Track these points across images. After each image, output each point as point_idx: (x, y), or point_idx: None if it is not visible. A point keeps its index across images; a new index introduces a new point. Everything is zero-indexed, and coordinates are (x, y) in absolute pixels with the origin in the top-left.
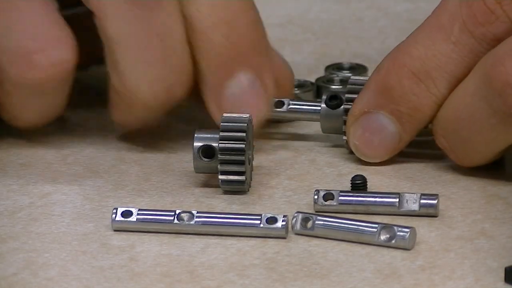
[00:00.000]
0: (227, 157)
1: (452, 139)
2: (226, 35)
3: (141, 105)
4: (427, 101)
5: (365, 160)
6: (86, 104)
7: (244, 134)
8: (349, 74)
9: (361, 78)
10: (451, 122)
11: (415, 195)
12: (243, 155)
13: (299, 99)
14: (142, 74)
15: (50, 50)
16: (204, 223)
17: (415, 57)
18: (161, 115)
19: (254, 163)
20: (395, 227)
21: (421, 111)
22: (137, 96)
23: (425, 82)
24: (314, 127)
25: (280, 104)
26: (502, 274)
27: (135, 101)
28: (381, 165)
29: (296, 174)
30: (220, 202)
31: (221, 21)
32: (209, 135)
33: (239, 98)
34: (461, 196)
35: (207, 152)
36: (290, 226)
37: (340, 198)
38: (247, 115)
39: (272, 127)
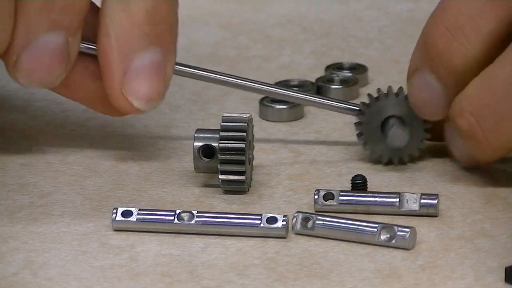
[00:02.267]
0: (227, 157)
1: (484, 115)
2: (150, 12)
3: None
4: (461, 60)
5: (426, 118)
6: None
7: (244, 134)
8: (349, 74)
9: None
10: (485, 96)
11: (415, 195)
12: (243, 154)
13: None
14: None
15: None
16: (204, 223)
17: (449, 13)
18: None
19: (254, 163)
20: (395, 227)
21: (456, 69)
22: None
23: (458, 39)
24: (314, 127)
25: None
26: (502, 274)
27: None
28: (381, 165)
29: (296, 174)
30: (220, 202)
31: None
32: (209, 135)
33: (141, 72)
34: (461, 196)
35: (207, 152)
36: (290, 226)
37: (340, 198)
38: (247, 115)
39: (272, 127)
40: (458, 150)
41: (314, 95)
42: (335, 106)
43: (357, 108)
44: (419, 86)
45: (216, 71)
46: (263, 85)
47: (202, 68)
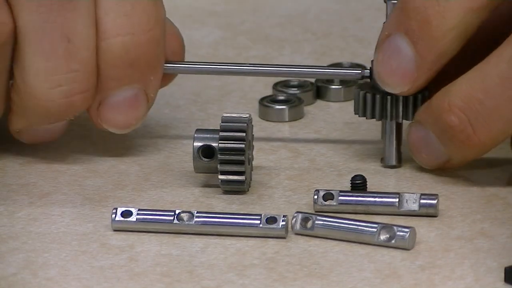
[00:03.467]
0: (227, 157)
1: (475, 111)
2: (127, 48)
3: (38, 107)
4: (434, 13)
5: (388, 90)
6: None
7: (244, 134)
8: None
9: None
10: (478, 92)
11: (415, 195)
12: (243, 155)
13: None
14: (41, 73)
15: None
16: (204, 223)
17: None
18: (59, 129)
19: (254, 163)
20: (395, 227)
21: (429, 23)
22: (35, 95)
23: (441, 3)
24: (314, 127)
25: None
26: (502, 274)
27: (33, 100)
28: (381, 165)
29: (296, 174)
30: (220, 202)
31: (125, 32)
32: (209, 135)
33: (119, 106)
34: (461, 196)
35: (207, 152)
36: (290, 226)
37: (340, 198)
38: (247, 115)
39: (272, 127)
40: (427, 152)
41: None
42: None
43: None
44: (389, 52)
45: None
46: (274, 67)
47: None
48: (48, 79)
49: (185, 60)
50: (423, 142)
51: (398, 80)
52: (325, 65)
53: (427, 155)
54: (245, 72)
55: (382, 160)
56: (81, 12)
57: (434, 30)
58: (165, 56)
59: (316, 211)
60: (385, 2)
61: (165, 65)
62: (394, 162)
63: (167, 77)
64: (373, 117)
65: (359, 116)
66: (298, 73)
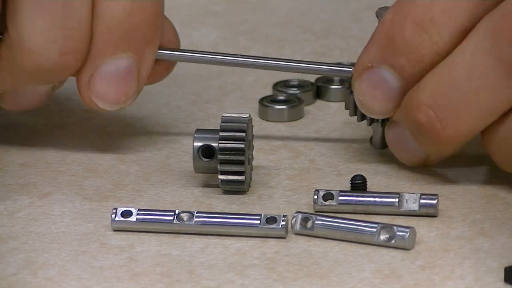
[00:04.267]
0: (227, 157)
1: (442, 106)
2: (128, 12)
3: (29, 62)
4: (428, 52)
5: (371, 115)
6: (86, 105)
7: (244, 134)
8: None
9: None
10: (444, 86)
11: (415, 195)
12: (243, 155)
13: None
14: (38, 26)
15: None
16: (204, 223)
17: (419, 5)
18: (41, 96)
19: (254, 163)
20: (395, 227)
21: (422, 62)
22: (29, 48)
23: (428, 31)
24: (314, 127)
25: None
26: (502, 274)
27: (25, 55)
28: (381, 165)
29: (296, 174)
30: (220, 202)
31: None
32: (208, 135)
33: (111, 77)
34: (461, 196)
35: (207, 152)
36: (289, 226)
37: (339, 198)
38: (247, 115)
39: (272, 127)
40: (405, 150)
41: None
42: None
43: None
44: (373, 83)
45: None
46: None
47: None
48: (44, 33)
49: (183, 49)
50: (399, 140)
51: (382, 109)
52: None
53: (405, 153)
54: (244, 63)
55: (371, 140)
56: None
57: (426, 61)
58: (160, 39)
59: (316, 211)
60: (377, 18)
61: (163, 51)
62: (378, 146)
63: (165, 67)
64: (362, 119)
65: (349, 115)
66: (295, 68)
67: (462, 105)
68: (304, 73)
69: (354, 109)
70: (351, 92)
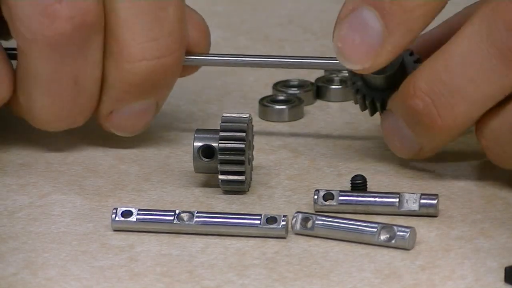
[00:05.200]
0: (227, 157)
1: (439, 92)
2: (151, 71)
3: (43, 126)
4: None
5: (347, 66)
6: None
7: (244, 134)
8: None
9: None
10: (441, 73)
11: (415, 195)
12: (243, 155)
13: None
14: (49, 109)
15: None
16: (204, 223)
17: None
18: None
19: (254, 163)
20: (395, 227)
21: (402, 2)
22: (40, 122)
23: None
24: (314, 127)
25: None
26: (502, 274)
27: (37, 123)
28: (381, 165)
29: (296, 174)
30: (220, 202)
31: (152, 56)
32: (209, 135)
33: (130, 115)
34: (461, 196)
35: (207, 152)
36: (290, 226)
37: (340, 198)
38: (247, 115)
39: (272, 127)
40: (399, 140)
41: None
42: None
43: None
44: (354, 26)
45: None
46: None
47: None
48: (53, 114)
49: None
50: (394, 130)
51: (360, 56)
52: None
53: (400, 143)
54: (257, 63)
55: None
56: (91, 60)
57: (406, 5)
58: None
59: (316, 211)
60: None
61: (187, 57)
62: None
63: (188, 69)
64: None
65: (361, 111)
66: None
67: (458, 92)
68: (310, 68)
69: (363, 104)
70: (357, 91)
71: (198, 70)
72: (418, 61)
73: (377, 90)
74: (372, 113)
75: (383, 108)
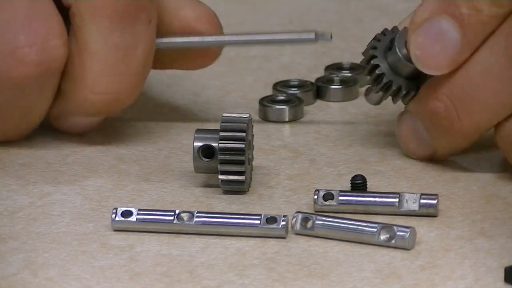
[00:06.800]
0: (227, 157)
1: (459, 97)
2: (108, 103)
3: (88, 105)
4: (486, 1)
5: (427, 72)
6: None
7: (244, 134)
8: (349, 74)
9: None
10: (462, 80)
11: (415, 195)
12: (243, 155)
13: None
14: (103, 81)
15: (40, 45)
16: (204, 223)
17: None
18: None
19: (254, 163)
20: (395, 227)
21: (481, 11)
22: (89, 96)
23: None
24: (314, 127)
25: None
26: (502, 274)
27: (86, 99)
28: (381, 165)
29: (296, 174)
30: (220, 202)
31: (113, 90)
32: (209, 135)
33: (70, 123)
34: (461, 196)
35: (207, 152)
36: (290, 226)
37: (340, 198)
38: (247, 115)
39: (272, 127)
40: (415, 142)
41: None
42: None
43: None
44: (431, 35)
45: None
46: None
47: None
48: (104, 87)
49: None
50: (411, 132)
51: (439, 63)
52: (325, 65)
53: (415, 145)
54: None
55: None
56: (141, 33)
57: (485, 16)
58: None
59: (316, 211)
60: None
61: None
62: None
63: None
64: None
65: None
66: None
67: (477, 99)
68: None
69: (385, 89)
70: (379, 75)
71: (201, 69)
72: None
73: (404, 77)
74: (395, 100)
75: (406, 97)
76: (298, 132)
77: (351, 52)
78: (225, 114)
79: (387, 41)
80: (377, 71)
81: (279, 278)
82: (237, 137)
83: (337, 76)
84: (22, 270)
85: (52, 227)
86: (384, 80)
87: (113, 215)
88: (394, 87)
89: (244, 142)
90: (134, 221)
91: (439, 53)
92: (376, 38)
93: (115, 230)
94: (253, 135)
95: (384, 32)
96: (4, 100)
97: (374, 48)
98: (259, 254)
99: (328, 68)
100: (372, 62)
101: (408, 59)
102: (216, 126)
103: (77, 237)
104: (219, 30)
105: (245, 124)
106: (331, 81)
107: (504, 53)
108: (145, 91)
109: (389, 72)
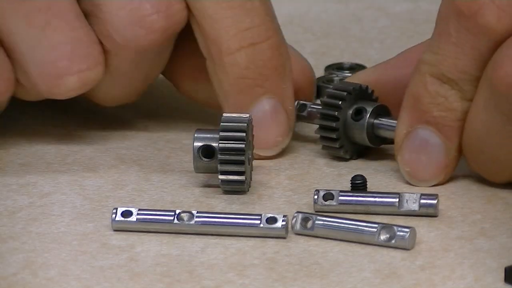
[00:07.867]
0: (227, 157)
1: (481, 161)
2: (252, 58)
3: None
4: (455, 99)
5: (422, 186)
6: (86, 105)
7: (244, 134)
8: (349, 74)
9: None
10: (474, 144)
11: (415, 195)
12: (243, 155)
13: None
14: (114, 93)
15: (166, 10)
16: (204, 223)
17: (431, 64)
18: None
19: (254, 163)
20: (395, 227)
21: (453, 110)
22: (103, 99)
23: (447, 82)
24: (314, 127)
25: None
26: (502, 274)
27: (100, 100)
28: (381, 165)
29: (296, 174)
30: (220, 202)
31: (247, 43)
32: (209, 135)
33: (260, 123)
34: (461, 196)
35: (207, 152)
36: (290, 226)
37: (340, 198)
38: (247, 115)
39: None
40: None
41: None
42: None
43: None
44: (415, 148)
45: None
46: None
47: None
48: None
49: None
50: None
51: (431, 174)
52: (325, 65)
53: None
54: None
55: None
56: None
57: (459, 115)
58: (291, 73)
59: (316, 211)
60: None
61: None
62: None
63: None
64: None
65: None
66: None
67: (496, 158)
68: None
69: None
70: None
71: None
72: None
73: (350, 141)
74: (327, 149)
75: (337, 151)
76: (298, 132)
77: (351, 52)
78: (225, 114)
79: (357, 99)
80: (334, 125)
81: (279, 278)
82: (237, 137)
83: (337, 76)
84: (22, 270)
85: (52, 227)
86: (334, 136)
87: (113, 215)
88: (337, 146)
89: (244, 142)
90: (134, 221)
91: (427, 164)
92: (347, 90)
93: (115, 230)
94: (253, 135)
95: (355, 88)
96: (129, 67)
97: (343, 99)
98: (259, 254)
99: (328, 68)
100: (335, 113)
101: (370, 137)
102: (216, 126)
103: (77, 237)
104: (313, 86)
105: (245, 124)
106: (331, 81)
107: (495, 109)
108: (145, 91)
109: (342, 131)
